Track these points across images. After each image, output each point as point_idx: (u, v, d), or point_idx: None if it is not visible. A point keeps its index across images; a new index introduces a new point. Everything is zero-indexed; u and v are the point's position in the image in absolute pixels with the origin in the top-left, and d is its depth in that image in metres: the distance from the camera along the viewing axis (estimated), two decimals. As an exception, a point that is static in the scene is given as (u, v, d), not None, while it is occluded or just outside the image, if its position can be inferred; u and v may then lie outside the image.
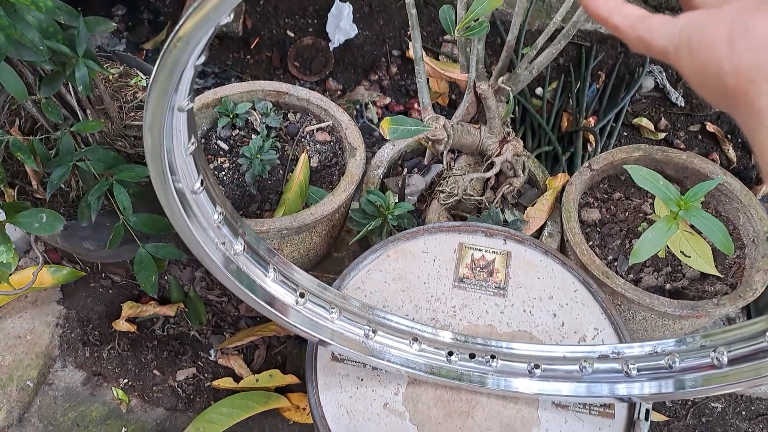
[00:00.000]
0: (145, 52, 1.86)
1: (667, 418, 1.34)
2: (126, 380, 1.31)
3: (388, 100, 1.75)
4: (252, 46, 1.80)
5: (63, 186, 1.15)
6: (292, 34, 1.81)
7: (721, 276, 1.11)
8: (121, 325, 1.34)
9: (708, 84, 0.31)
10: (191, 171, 0.62)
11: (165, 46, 0.44)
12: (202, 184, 0.63)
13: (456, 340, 0.77)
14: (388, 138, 0.89)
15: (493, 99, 1.11)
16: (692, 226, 1.06)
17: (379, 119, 1.67)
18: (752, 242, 1.11)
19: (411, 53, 1.63)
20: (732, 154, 1.67)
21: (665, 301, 1.02)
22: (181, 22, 0.42)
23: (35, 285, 1.29)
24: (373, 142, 1.61)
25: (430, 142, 1.17)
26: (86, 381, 1.30)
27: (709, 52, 0.31)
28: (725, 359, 0.63)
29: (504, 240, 0.91)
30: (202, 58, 0.51)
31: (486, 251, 0.89)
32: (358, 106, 1.69)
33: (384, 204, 1.05)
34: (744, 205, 1.13)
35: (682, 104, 1.77)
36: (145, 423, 1.27)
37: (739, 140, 1.70)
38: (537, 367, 0.74)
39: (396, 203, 1.05)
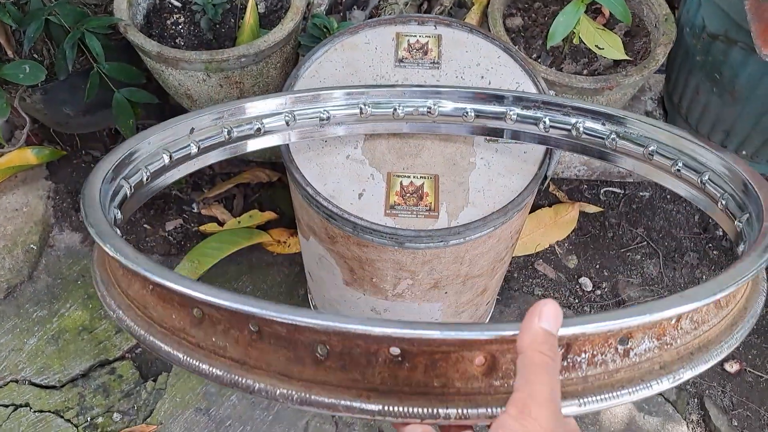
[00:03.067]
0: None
1: (601, 209, 1.53)
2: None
3: None
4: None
5: (36, 55, 1.26)
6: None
7: (631, 59, 1.27)
8: (108, 190, 1.46)
9: None
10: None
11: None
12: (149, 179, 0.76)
13: (400, 98, 0.91)
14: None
15: (415, -76, 1.23)
16: (597, 11, 1.22)
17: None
18: (654, 27, 1.28)
19: None
20: None
21: (581, 78, 1.19)
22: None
23: (23, 164, 1.41)
24: None
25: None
26: (84, 239, 1.43)
27: None
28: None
29: (434, 25, 1.05)
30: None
31: (420, 36, 1.04)
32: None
33: (328, 25, 1.18)
34: (644, -3, 1.29)
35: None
36: (144, 267, 1.41)
37: None
38: (467, 114, 0.90)
39: (339, 24, 1.18)
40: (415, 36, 1.04)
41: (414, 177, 0.90)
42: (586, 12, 1.18)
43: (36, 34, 1.11)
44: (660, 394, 1.33)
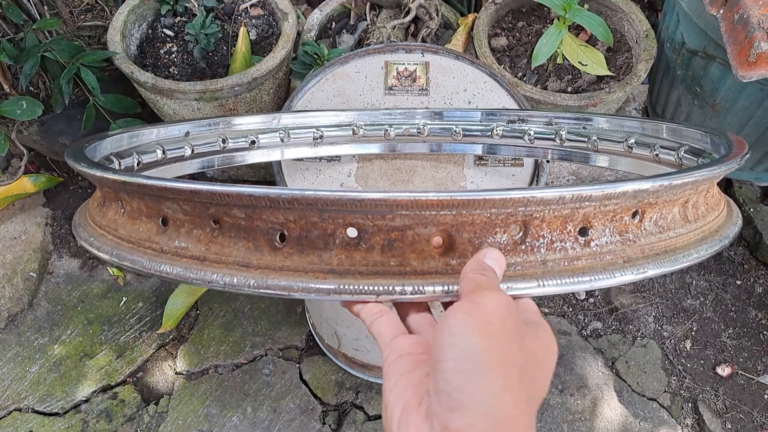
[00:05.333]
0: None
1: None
2: (119, 259, 1.46)
3: None
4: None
5: (32, 88, 1.28)
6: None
7: (614, 75, 1.30)
8: (105, 216, 1.48)
9: None
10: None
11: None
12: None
13: (391, 120, 0.95)
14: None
15: (400, -50, 1.26)
16: (579, 27, 1.25)
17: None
18: (636, 43, 1.31)
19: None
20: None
21: (566, 96, 1.22)
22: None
23: (20, 192, 1.43)
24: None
25: (353, 3, 1.32)
26: (83, 265, 1.45)
27: (388, 422, 0.37)
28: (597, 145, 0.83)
29: (422, 53, 1.08)
30: None
31: (408, 64, 1.07)
32: None
33: (319, 52, 1.21)
34: (626, 14, 1.33)
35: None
36: (143, 291, 1.44)
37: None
38: (457, 133, 0.93)
39: (330, 50, 1.21)
40: (404, 64, 1.06)
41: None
42: (568, 29, 1.21)
43: (32, 70, 1.13)
44: (654, 399, 1.36)
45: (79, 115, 1.24)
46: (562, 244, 0.43)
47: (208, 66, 1.31)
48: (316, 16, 1.38)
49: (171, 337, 1.39)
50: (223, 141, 0.89)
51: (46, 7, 1.22)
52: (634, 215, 0.44)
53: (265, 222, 0.42)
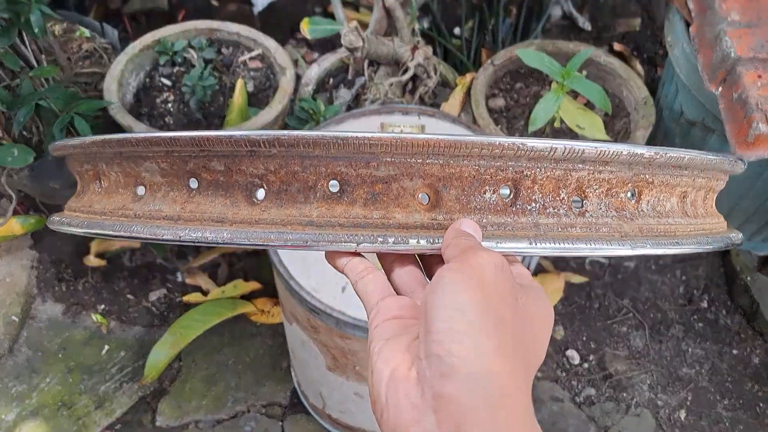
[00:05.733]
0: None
1: (587, 279, 1.55)
2: (103, 306, 1.44)
3: (315, 55, 1.89)
4: (180, 19, 1.91)
5: (25, 133, 1.27)
6: (216, 3, 1.93)
7: (612, 140, 1.30)
8: (92, 260, 1.46)
9: (374, 412, 0.35)
10: None
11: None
12: None
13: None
14: (308, 37, 1.04)
15: (400, 10, 1.27)
16: (576, 94, 1.25)
17: (312, 17, 1.80)
18: (634, 109, 1.31)
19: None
20: (639, 68, 1.86)
21: (562, 162, 1.21)
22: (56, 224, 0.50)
23: (7, 234, 1.41)
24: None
25: (351, 59, 1.32)
26: (66, 311, 1.42)
27: (376, 386, 0.35)
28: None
29: (418, 115, 1.07)
30: None
31: (403, 127, 1.06)
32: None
33: (315, 109, 1.20)
34: (625, 80, 1.32)
35: (590, 28, 1.93)
36: (126, 339, 1.41)
37: (645, 56, 1.90)
38: None
39: (326, 107, 1.20)
40: (399, 126, 1.05)
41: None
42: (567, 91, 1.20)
43: (26, 118, 1.12)
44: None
45: (71, 161, 1.23)
46: (555, 210, 0.41)
47: (204, 116, 1.30)
48: (314, 71, 1.37)
49: (152, 389, 1.36)
50: None
51: (44, 55, 1.21)
52: (631, 195, 0.43)
53: (244, 175, 0.40)
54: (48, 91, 1.15)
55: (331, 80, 1.39)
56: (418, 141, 0.37)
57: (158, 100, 1.32)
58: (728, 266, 1.48)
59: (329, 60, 1.39)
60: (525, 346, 0.35)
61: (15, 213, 1.46)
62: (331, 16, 1.88)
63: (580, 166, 0.40)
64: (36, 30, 1.07)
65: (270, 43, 1.33)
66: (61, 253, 1.49)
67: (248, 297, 1.46)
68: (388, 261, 0.42)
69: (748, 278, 1.41)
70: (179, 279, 1.48)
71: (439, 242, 0.39)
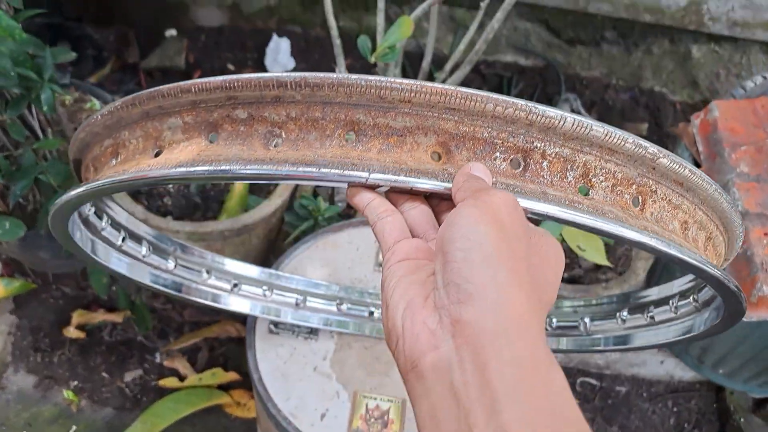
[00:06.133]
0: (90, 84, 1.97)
1: (577, 401, 1.50)
2: (76, 382, 1.39)
3: None
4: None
5: (21, 200, 1.25)
6: (233, 67, 1.95)
7: (612, 266, 1.28)
8: (71, 332, 1.42)
9: (390, 347, 0.36)
10: (112, 234, 0.73)
11: (51, 210, 0.55)
12: (124, 239, 0.75)
13: (378, 300, 0.91)
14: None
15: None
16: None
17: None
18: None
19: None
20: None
21: (562, 286, 1.19)
22: (59, 200, 0.52)
23: (-12, 296, 1.37)
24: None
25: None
26: (38, 384, 1.37)
27: (391, 319, 0.35)
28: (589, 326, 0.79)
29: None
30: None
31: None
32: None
33: (315, 207, 1.18)
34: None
35: (596, 126, 1.97)
36: (95, 421, 1.35)
37: None
38: None
39: (326, 207, 1.19)
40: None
41: (381, 400, 0.87)
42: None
43: (23, 191, 1.10)
44: None
45: (62, 233, 1.20)
46: (563, 190, 0.42)
47: (203, 200, 1.29)
48: (320, 165, 1.37)
49: (116, 476, 1.30)
50: (207, 272, 0.86)
51: (50, 126, 1.21)
52: (634, 203, 0.43)
53: (265, 123, 0.42)
54: (48, 166, 1.14)
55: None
56: (435, 89, 0.39)
57: (159, 180, 1.30)
58: (722, 403, 1.44)
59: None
60: (538, 281, 0.36)
61: (0, 276, 1.43)
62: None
63: (587, 148, 0.41)
64: (45, 108, 1.07)
65: (278, 134, 1.33)
66: (42, 320, 1.45)
67: (226, 387, 1.41)
68: (399, 202, 0.43)
69: (742, 419, 1.37)
70: (157, 360, 1.44)
71: (449, 184, 0.40)
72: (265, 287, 0.90)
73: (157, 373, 1.43)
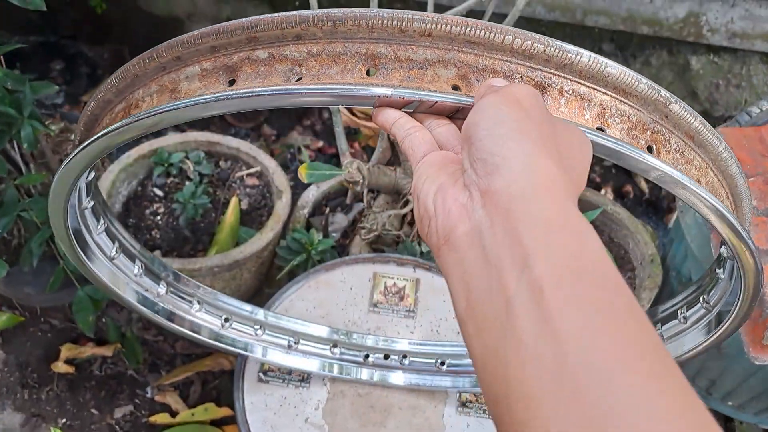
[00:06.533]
0: (83, 104, 1.93)
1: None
2: (65, 420, 1.34)
3: (320, 144, 1.86)
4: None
5: (6, 235, 1.21)
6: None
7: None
8: (60, 367, 1.38)
9: (423, 233, 0.36)
10: (106, 242, 0.71)
11: (59, 170, 0.53)
12: (117, 251, 0.72)
13: (373, 344, 0.88)
14: (306, 182, 1.00)
15: (406, 143, 1.23)
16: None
17: (312, 162, 1.78)
18: (640, 264, 1.26)
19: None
20: (644, 185, 1.82)
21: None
22: (72, 154, 0.50)
23: (-27, 331, 1.33)
24: (307, 183, 1.71)
25: (350, 184, 1.28)
26: (25, 422, 1.33)
27: (422, 205, 0.36)
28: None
29: (413, 268, 1.01)
30: (92, 174, 0.61)
31: (397, 279, 1.00)
32: (291, 150, 1.80)
33: (308, 241, 1.15)
34: (632, 232, 1.28)
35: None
36: (84, 462, 1.31)
37: (654, 207, 1.86)
38: (443, 363, 0.85)
39: (319, 240, 1.15)
40: (393, 278, 1.00)
41: (375, 452, 0.84)
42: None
43: (5, 230, 1.06)
44: None
45: (48, 268, 1.17)
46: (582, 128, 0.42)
47: (192, 233, 1.25)
48: (312, 193, 1.33)
49: None
50: (199, 303, 0.83)
51: (33, 162, 1.17)
52: (649, 149, 0.43)
53: (285, 62, 0.41)
54: (31, 202, 1.10)
55: (328, 203, 1.35)
56: (456, 20, 0.39)
57: (147, 212, 1.27)
58: (730, 433, 1.40)
59: (328, 182, 1.35)
60: (567, 162, 0.35)
61: (-15, 310, 1.39)
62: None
63: (603, 88, 0.42)
64: (26, 146, 1.03)
65: (270, 163, 1.29)
66: (30, 355, 1.41)
67: (219, 422, 1.37)
68: (425, 122, 0.43)
69: (751, 450, 1.33)
70: (149, 395, 1.40)
71: (471, 100, 0.40)
72: (256, 326, 0.87)
73: (149, 408, 1.39)
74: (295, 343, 0.88)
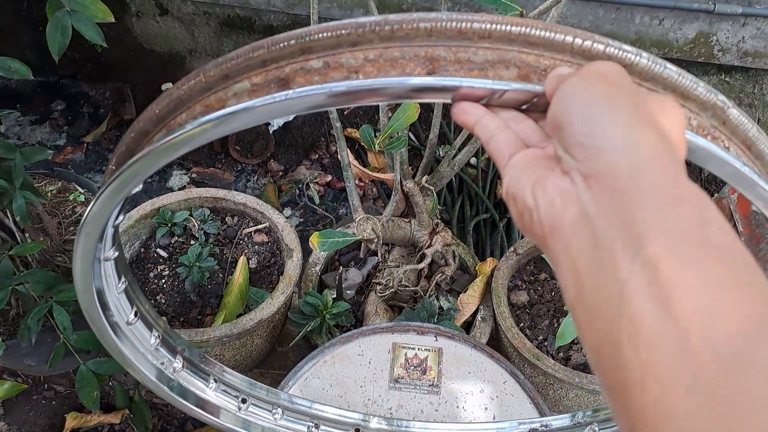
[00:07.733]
0: (85, 145, 1.89)
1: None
2: (72, 496, 1.28)
3: (329, 178, 1.80)
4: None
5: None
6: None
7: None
8: (66, 438, 1.32)
9: (525, 228, 0.35)
10: (124, 305, 0.66)
11: (85, 215, 0.48)
12: (136, 315, 0.67)
13: (394, 427, 0.81)
14: (318, 252, 0.94)
15: (420, 195, 1.17)
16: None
17: (321, 197, 1.72)
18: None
19: (350, 134, 1.71)
20: None
21: (593, 379, 1.08)
22: (95, 198, 0.46)
23: (-26, 403, 1.27)
24: (317, 219, 1.66)
25: (364, 240, 1.22)
26: (28, 500, 1.27)
27: (521, 202, 0.35)
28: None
29: (435, 337, 0.95)
30: (121, 218, 0.55)
31: (418, 349, 0.94)
32: (300, 186, 1.74)
33: (322, 304, 1.09)
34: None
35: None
36: None
37: None
38: None
39: (334, 302, 1.09)
40: (414, 349, 0.94)
41: None
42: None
43: (1, 305, 1.01)
44: None
45: (49, 339, 1.11)
46: None
47: (199, 296, 1.19)
48: (324, 248, 1.27)
49: None
50: (215, 381, 0.77)
51: (27, 233, 1.11)
52: None
53: (341, 69, 0.39)
54: (27, 275, 1.05)
55: (341, 259, 1.29)
56: (516, 20, 0.38)
57: (152, 275, 1.21)
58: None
59: (340, 236, 1.29)
60: (667, 133, 0.33)
61: (-13, 379, 1.34)
62: (349, 138, 1.78)
63: (662, 89, 0.40)
64: (19, 218, 0.98)
65: (279, 219, 1.23)
66: (33, 426, 1.35)
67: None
68: (504, 118, 0.41)
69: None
70: (158, 462, 1.34)
71: (541, 87, 0.38)
72: (274, 408, 0.81)
73: (158, 478, 1.32)
74: (315, 428, 0.82)
